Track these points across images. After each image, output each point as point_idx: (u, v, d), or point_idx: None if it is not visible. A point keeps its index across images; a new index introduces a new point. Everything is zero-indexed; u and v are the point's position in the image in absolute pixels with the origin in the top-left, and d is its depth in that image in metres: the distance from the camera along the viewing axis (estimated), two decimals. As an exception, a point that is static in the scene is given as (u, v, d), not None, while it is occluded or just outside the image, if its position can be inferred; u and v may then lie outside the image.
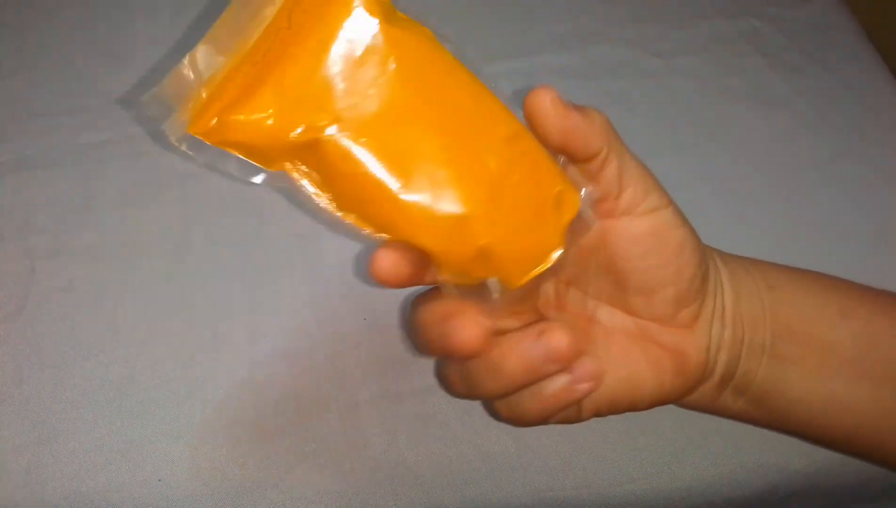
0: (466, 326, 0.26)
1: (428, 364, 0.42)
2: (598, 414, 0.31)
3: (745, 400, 0.33)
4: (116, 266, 0.44)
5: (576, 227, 0.27)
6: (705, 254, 0.31)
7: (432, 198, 0.25)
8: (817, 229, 0.48)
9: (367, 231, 0.26)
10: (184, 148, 0.24)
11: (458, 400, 0.40)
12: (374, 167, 0.24)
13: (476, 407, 0.40)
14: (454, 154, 0.25)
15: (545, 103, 0.26)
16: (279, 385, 0.41)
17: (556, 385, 0.28)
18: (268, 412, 0.40)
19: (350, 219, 0.26)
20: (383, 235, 0.26)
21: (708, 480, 0.39)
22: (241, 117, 0.24)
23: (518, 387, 0.28)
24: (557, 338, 0.27)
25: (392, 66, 0.24)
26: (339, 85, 0.24)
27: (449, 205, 0.25)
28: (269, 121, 0.24)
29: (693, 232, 0.31)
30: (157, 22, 0.57)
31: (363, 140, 0.24)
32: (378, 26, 0.24)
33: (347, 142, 0.24)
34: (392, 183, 0.24)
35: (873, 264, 0.47)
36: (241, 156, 0.25)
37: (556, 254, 0.27)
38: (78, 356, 0.41)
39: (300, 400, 0.40)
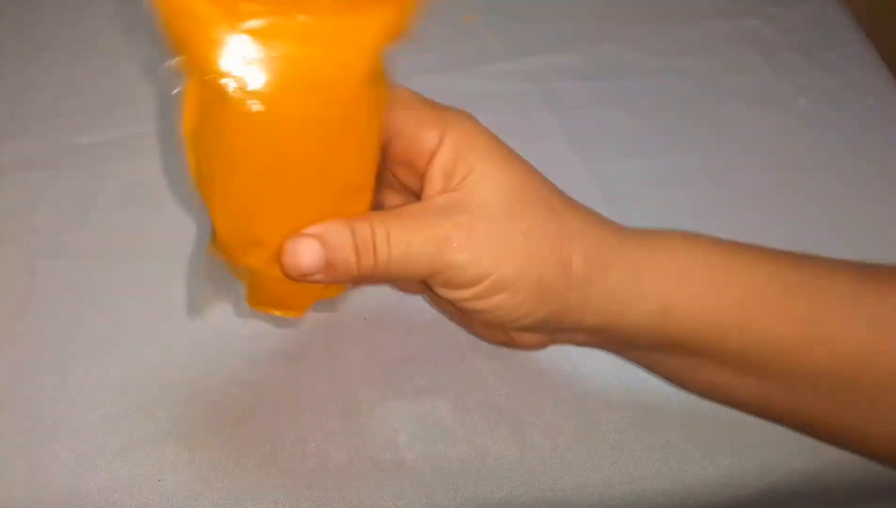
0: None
1: (428, 364, 0.42)
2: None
3: (583, 336, 0.32)
4: (116, 266, 0.44)
5: (323, 304, 0.31)
6: (544, 291, 0.28)
7: (255, 212, 0.26)
8: (817, 229, 0.48)
9: (190, 173, 0.27)
10: None
11: (457, 399, 0.40)
12: (244, 154, 0.25)
13: (476, 407, 0.40)
14: (300, 199, 0.26)
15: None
16: (279, 385, 0.41)
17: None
18: (267, 412, 0.40)
19: (188, 155, 0.26)
20: (197, 188, 0.27)
21: (708, 480, 0.39)
22: None
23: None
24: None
25: (337, 107, 0.25)
26: (292, 61, 0.24)
27: (261, 228, 0.27)
28: (207, 26, 0.24)
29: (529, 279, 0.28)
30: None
31: (260, 125, 0.24)
32: (364, 70, 0.25)
33: (246, 114, 0.24)
34: (244, 174, 0.25)
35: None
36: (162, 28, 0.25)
37: (290, 316, 0.31)
38: (78, 356, 0.41)
39: (300, 399, 0.40)
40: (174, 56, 0.24)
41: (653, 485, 0.39)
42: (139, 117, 0.51)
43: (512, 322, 0.29)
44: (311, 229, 0.26)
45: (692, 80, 0.55)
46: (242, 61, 0.23)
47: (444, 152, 0.28)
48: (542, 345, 0.35)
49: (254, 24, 0.23)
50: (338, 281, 0.27)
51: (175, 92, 0.25)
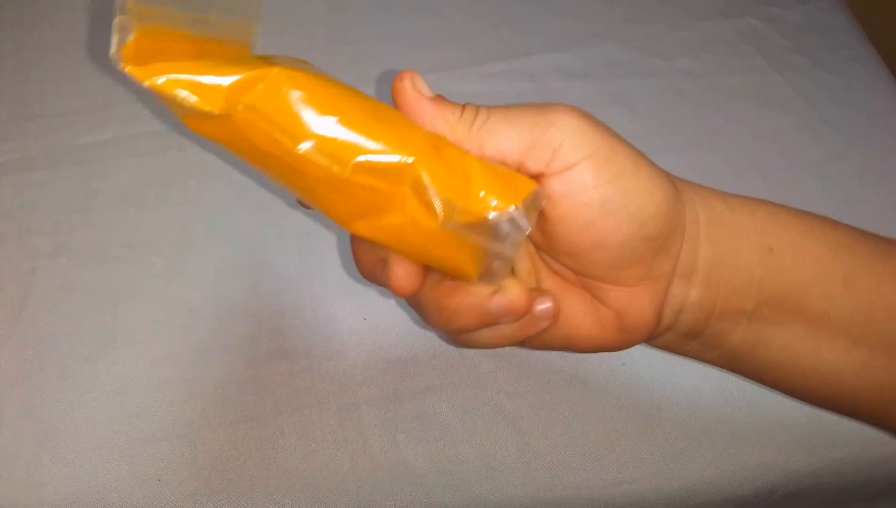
0: (399, 273, 0.26)
1: (428, 364, 0.42)
2: (528, 344, 0.29)
3: (717, 354, 0.30)
4: (116, 266, 0.44)
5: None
6: (659, 218, 0.26)
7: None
8: (817, 229, 0.48)
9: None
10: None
11: (458, 399, 0.40)
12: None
13: (476, 407, 0.40)
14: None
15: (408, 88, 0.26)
16: (279, 384, 0.41)
17: (514, 325, 0.27)
18: (268, 411, 0.40)
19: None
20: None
21: (708, 480, 0.39)
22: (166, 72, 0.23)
23: (473, 329, 0.27)
24: (512, 296, 0.26)
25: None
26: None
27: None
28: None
29: (633, 189, 0.26)
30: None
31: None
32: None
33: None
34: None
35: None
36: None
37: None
38: (78, 356, 0.41)
39: (300, 399, 0.40)
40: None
41: (653, 485, 0.39)
42: (139, 117, 0.51)
43: (633, 221, 0.26)
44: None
45: (692, 80, 0.55)
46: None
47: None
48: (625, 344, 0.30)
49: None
50: (441, 122, 0.26)
51: None
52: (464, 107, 0.27)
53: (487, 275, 0.26)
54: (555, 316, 0.27)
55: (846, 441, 0.40)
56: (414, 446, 0.39)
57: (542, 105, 0.27)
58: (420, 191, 0.24)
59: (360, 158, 0.23)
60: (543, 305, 0.27)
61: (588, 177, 0.25)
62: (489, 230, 0.24)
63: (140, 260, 0.45)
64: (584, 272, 0.28)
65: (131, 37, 0.23)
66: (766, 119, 0.54)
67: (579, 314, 0.28)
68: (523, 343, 0.29)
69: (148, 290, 0.43)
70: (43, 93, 0.52)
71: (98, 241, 0.45)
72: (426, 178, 0.24)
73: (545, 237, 0.27)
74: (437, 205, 0.24)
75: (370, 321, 0.43)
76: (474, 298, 0.26)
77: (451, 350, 0.42)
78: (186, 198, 0.47)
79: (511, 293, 0.26)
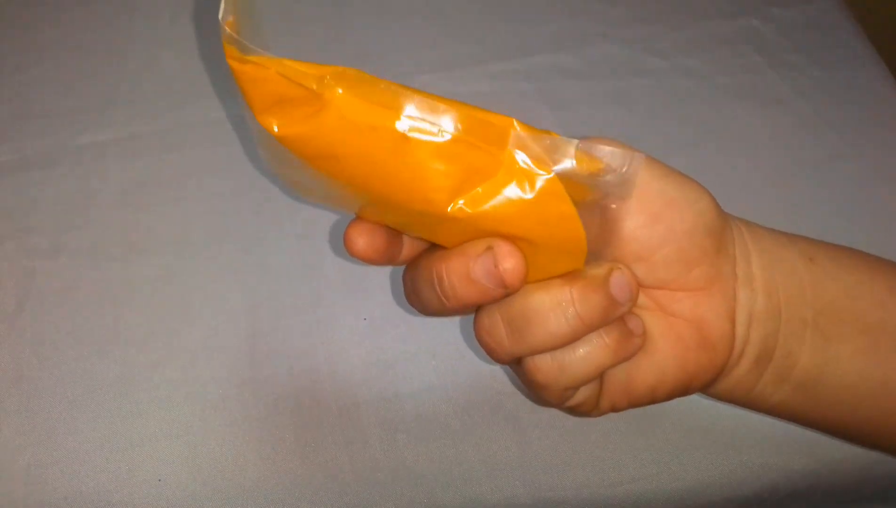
0: (354, 237, 0.26)
1: (428, 364, 0.42)
2: (616, 408, 0.28)
3: (789, 387, 0.29)
4: (116, 266, 0.44)
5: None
6: (713, 210, 0.27)
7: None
8: (817, 229, 0.48)
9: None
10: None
11: (457, 399, 0.40)
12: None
13: (476, 407, 0.40)
14: None
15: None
16: (279, 385, 0.41)
17: (610, 341, 0.26)
18: (268, 412, 0.40)
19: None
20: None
21: (708, 480, 0.39)
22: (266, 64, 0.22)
23: (466, 305, 0.26)
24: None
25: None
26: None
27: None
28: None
29: (685, 184, 0.27)
30: (157, 22, 0.57)
31: None
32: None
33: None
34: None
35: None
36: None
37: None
38: (78, 356, 0.41)
39: (300, 399, 0.40)
40: None
41: (653, 485, 0.39)
42: (139, 117, 0.51)
43: (680, 215, 0.27)
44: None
45: (692, 80, 0.55)
46: None
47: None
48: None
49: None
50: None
51: None
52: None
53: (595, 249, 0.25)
54: (644, 332, 0.27)
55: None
56: (414, 446, 0.39)
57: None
58: (526, 146, 0.23)
59: (462, 119, 0.23)
60: (634, 320, 0.26)
61: (645, 174, 0.26)
62: (600, 177, 0.23)
63: (140, 260, 0.45)
64: (655, 279, 0.27)
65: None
66: (766, 119, 0.54)
67: (659, 335, 0.27)
68: (596, 407, 0.28)
69: (148, 290, 0.43)
70: (43, 93, 0.52)
71: (97, 241, 0.45)
72: (527, 136, 0.23)
73: (611, 246, 0.26)
74: (545, 156, 0.23)
75: (370, 321, 0.43)
76: (591, 282, 0.25)
77: (451, 350, 0.42)
78: (186, 198, 0.47)
79: (626, 270, 0.26)
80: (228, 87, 0.53)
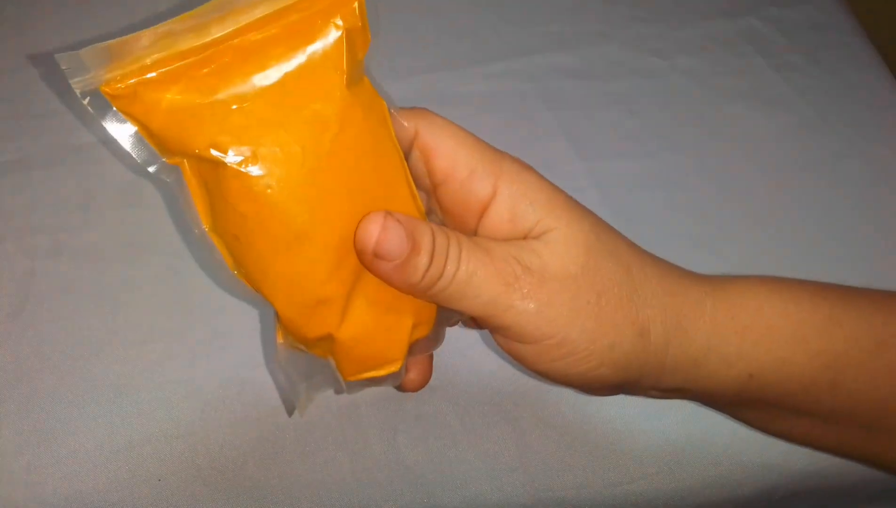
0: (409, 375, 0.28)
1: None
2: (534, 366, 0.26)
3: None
4: (116, 266, 0.44)
5: (423, 341, 0.28)
6: (609, 383, 0.26)
7: (305, 270, 0.24)
8: (817, 229, 0.48)
9: (228, 266, 0.25)
10: (86, 103, 0.23)
11: (457, 399, 0.40)
12: (266, 217, 0.23)
13: (476, 407, 0.40)
14: (344, 235, 0.24)
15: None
16: (279, 385, 0.41)
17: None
18: (267, 412, 0.40)
19: (214, 243, 0.25)
20: (239, 276, 0.25)
21: (708, 480, 0.39)
22: (159, 97, 0.22)
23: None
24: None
25: (332, 131, 0.23)
26: (274, 118, 0.23)
27: (315, 286, 0.24)
28: (186, 118, 0.23)
29: (574, 371, 0.25)
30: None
31: (264, 188, 0.23)
32: (341, 87, 0.23)
33: (247, 183, 0.23)
34: (270, 238, 0.23)
35: (873, 264, 0.47)
36: (140, 135, 0.23)
37: (389, 370, 0.27)
38: (78, 356, 0.41)
39: (300, 400, 0.40)
40: (161, 159, 0.24)
41: (653, 485, 0.39)
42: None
43: (578, 385, 0.26)
44: (400, 215, 0.23)
45: (692, 80, 0.55)
46: (220, 130, 0.23)
47: (500, 204, 0.25)
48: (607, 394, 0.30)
49: (221, 95, 0.23)
50: (398, 281, 0.24)
51: (179, 192, 0.25)
52: (426, 270, 0.24)
53: None
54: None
55: (846, 442, 0.40)
56: (414, 446, 0.39)
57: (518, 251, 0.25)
58: None
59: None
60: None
61: (537, 356, 0.25)
62: None
63: (140, 260, 0.44)
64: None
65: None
66: (766, 119, 0.54)
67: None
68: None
69: (148, 290, 0.43)
70: (43, 93, 0.52)
71: (97, 241, 0.45)
72: None
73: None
74: None
75: (370, 321, 0.43)
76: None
77: (451, 350, 0.42)
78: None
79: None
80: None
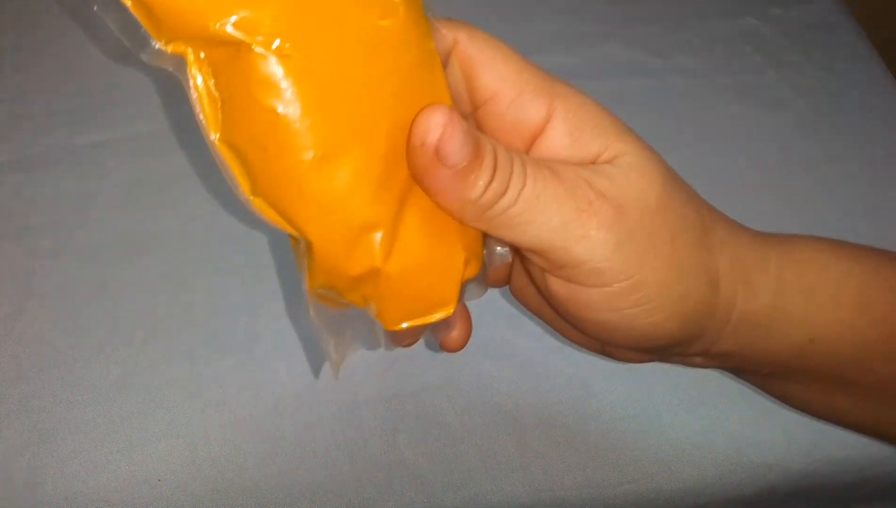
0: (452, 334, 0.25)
1: (428, 364, 0.42)
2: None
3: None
4: (116, 266, 0.44)
5: (470, 286, 0.24)
6: (675, 337, 0.23)
7: (348, 186, 0.19)
8: (817, 229, 0.48)
9: (242, 188, 0.20)
10: None
11: (457, 399, 0.40)
12: (293, 115, 0.18)
13: (476, 407, 0.40)
14: (393, 144, 0.20)
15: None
16: (279, 385, 0.41)
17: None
18: (267, 412, 0.40)
19: (225, 157, 0.20)
20: (257, 200, 0.20)
21: (708, 480, 0.39)
22: None
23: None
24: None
25: (375, 14, 0.19)
26: (317, 4, 0.18)
27: (360, 207, 0.20)
28: None
29: (644, 320, 0.22)
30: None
31: (299, 79, 0.18)
32: None
33: (278, 70, 0.18)
34: (304, 145, 0.19)
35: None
36: (133, 14, 0.19)
37: (440, 315, 0.23)
38: (78, 356, 0.41)
39: (300, 399, 0.40)
40: (164, 47, 0.19)
41: (653, 485, 0.39)
42: (139, 117, 0.51)
43: (636, 341, 0.23)
44: (460, 117, 0.20)
45: (691, 79, 0.55)
46: (254, 10, 0.18)
47: (558, 127, 0.22)
48: (642, 361, 0.27)
49: None
50: (451, 194, 0.20)
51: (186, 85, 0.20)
52: (489, 183, 0.20)
53: None
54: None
55: (846, 442, 0.40)
56: (414, 446, 0.39)
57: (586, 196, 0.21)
58: None
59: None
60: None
61: (603, 303, 0.21)
62: None
63: (140, 260, 0.44)
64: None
65: None
66: (766, 119, 0.54)
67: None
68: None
69: (148, 290, 0.43)
70: (43, 94, 0.52)
71: (97, 241, 0.45)
72: None
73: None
74: None
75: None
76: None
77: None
78: (186, 198, 0.47)
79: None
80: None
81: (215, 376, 0.41)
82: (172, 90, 0.53)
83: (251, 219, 0.47)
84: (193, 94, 0.19)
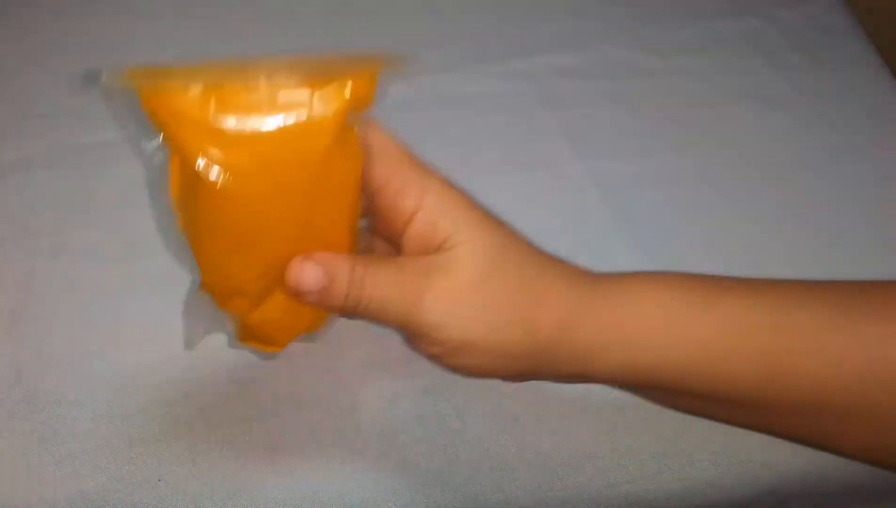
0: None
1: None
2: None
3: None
4: (116, 266, 0.44)
5: (302, 338, 0.34)
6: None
7: (238, 268, 0.29)
8: (817, 229, 0.48)
9: (180, 229, 0.30)
10: (104, 80, 0.28)
11: (458, 399, 0.40)
12: (221, 224, 0.28)
13: (476, 406, 0.40)
14: (281, 256, 0.29)
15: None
16: (279, 384, 0.41)
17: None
18: (268, 412, 0.40)
19: (178, 216, 0.29)
20: (185, 238, 0.30)
21: (708, 480, 0.39)
22: (176, 101, 0.27)
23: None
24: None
25: (305, 175, 0.28)
26: (261, 153, 0.27)
27: (245, 281, 0.30)
28: (189, 124, 0.27)
29: (475, 365, 0.31)
30: (158, 22, 0.57)
31: (233, 203, 0.27)
32: (328, 144, 0.27)
33: (220, 196, 0.27)
34: (226, 239, 0.28)
35: (873, 264, 0.47)
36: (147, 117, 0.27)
37: (272, 350, 0.34)
38: (78, 356, 0.41)
39: (300, 399, 0.40)
40: (155, 135, 0.28)
41: (653, 485, 0.39)
42: (140, 117, 0.51)
43: (485, 377, 0.31)
44: (319, 255, 0.29)
45: (692, 80, 0.55)
46: (213, 145, 0.26)
47: (422, 217, 0.29)
48: (515, 381, 0.35)
49: (224, 119, 0.27)
50: (324, 307, 0.30)
51: (159, 162, 0.28)
52: (343, 300, 0.29)
53: None
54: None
55: (846, 441, 0.40)
56: (414, 446, 0.39)
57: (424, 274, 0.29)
58: None
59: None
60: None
61: (447, 356, 0.30)
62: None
63: (140, 260, 0.45)
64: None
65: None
66: (766, 119, 0.54)
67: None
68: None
69: (148, 290, 0.43)
70: (43, 93, 0.52)
71: (98, 241, 0.45)
72: None
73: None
74: None
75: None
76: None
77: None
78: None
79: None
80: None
81: (215, 376, 0.41)
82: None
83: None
84: (167, 170, 0.28)
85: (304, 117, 0.27)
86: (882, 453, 0.31)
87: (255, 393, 0.40)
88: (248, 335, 0.33)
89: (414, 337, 0.30)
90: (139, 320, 0.42)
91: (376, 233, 0.33)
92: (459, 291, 0.28)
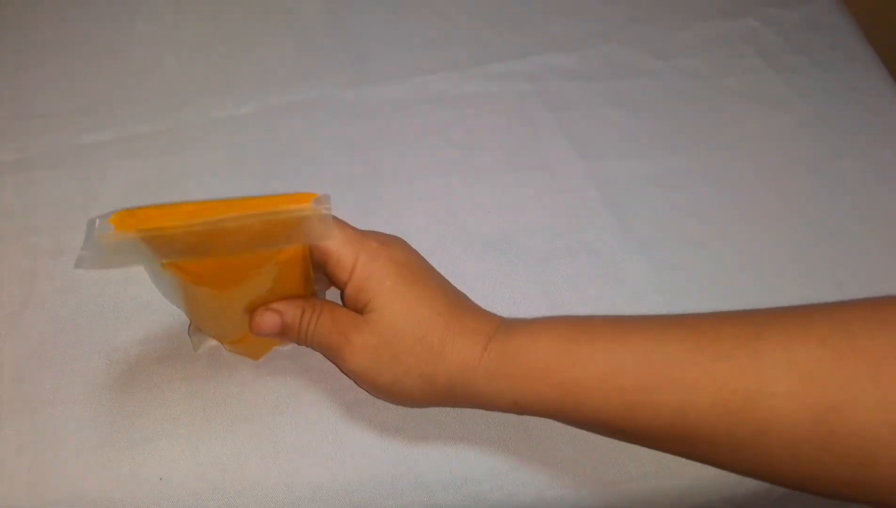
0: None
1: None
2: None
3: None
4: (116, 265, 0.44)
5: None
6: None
7: (220, 330, 0.40)
8: (817, 229, 0.48)
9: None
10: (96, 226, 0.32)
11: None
12: (199, 305, 0.38)
13: (476, 406, 0.40)
14: (242, 316, 0.38)
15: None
16: (279, 384, 0.41)
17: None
18: (268, 411, 0.40)
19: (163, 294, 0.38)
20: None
21: (708, 480, 0.39)
22: (161, 234, 0.33)
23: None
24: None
25: (262, 282, 0.36)
26: (224, 268, 0.34)
27: (229, 335, 0.40)
28: (166, 243, 0.33)
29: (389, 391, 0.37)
30: (158, 22, 0.57)
31: (204, 295, 0.35)
32: (280, 264, 0.35)
33: (194, 291, 0.35)
34: (205, 314, 0.39)
35: (873, 264, 0.47)
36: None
37: (252, 359, 0.42)
38: (78, 356, 0.41)
39: (300, 399, 0.40)
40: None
41: (653, 485, 0.39)
42: (139, 117, 0.51)
43: (406, 408, 0.39)
44: (276, 305, 0.37)
45: (692, 80, 0.55)
46: (186, 263, 0.34)
47: (353, 284, 0.36)
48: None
49: (195, 244, 0.33)
50: (284, 341, 0.40)
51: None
52: (298, 331, 0.38)
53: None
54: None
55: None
56: (414, 446, 0.39)
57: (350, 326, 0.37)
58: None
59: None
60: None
61: (374, 392, 0.38)
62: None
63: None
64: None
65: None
66: (766, 119, 0.54)
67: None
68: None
69: (148, 290, 0.43)
70: (43, 93, 0.52)
71: (98, 241, 0.45)
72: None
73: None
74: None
75: (370, 321, 0.43)
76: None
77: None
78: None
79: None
80: (230, 87, 0.53)
81: (216, 375, 0.41)
82: (174, 91, 0.53)
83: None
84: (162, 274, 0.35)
85: (266, 246, 0.34)
86: (767, 476, 0.34)
87: (255, 392, 0.40)
88: (233, 349, 0.41)
89: (342, 370, 0.38)
90: (139, 320, 0.42)
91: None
92: (372, 349, 0.35)
